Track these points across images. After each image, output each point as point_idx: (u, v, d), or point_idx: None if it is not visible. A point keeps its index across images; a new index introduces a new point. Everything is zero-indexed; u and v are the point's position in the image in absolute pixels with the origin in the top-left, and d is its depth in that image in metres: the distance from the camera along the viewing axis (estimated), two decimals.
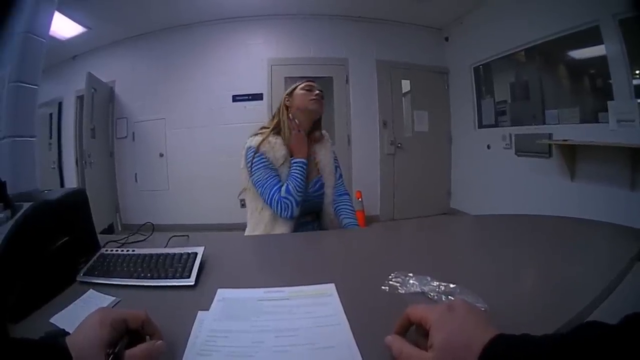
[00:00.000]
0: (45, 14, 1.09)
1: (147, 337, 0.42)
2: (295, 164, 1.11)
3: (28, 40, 1.00)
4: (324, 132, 1.30)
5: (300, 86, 1.20)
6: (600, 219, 0.95)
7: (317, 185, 1.20)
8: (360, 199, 3.80)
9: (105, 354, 0.34)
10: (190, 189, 3.91)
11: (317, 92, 1.18)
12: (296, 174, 1.09)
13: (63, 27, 3.30)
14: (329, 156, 1.26)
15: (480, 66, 3.73)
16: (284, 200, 1.06)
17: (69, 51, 3.86)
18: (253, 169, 1.10)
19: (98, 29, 3.55)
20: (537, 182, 3.03)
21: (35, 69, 1.03)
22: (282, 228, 1.09)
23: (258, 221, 1.12)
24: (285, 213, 1.06)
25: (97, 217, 0.81)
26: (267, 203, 1.09)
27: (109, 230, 3.71)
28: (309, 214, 1.20)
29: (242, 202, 1.36)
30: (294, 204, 1.06)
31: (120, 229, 3.94)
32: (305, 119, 1.19)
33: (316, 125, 1.24)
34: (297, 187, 1.07)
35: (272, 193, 1.07)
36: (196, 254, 0.68)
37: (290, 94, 1.20)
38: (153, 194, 3.97)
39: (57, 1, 1.16)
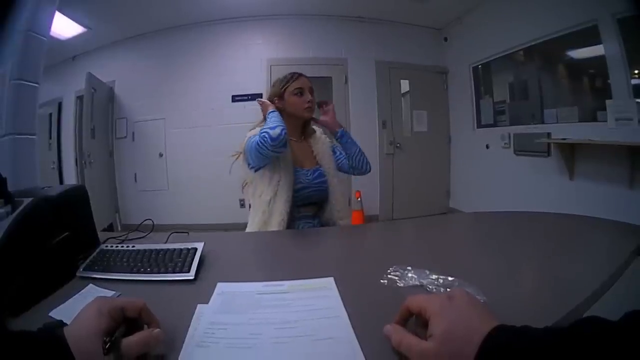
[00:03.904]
0: (46, 12, 1.09)
1: (145, 326, 0.42)
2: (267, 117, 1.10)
3: (29, 38, 1.00)
4: (316, 127, 1.32)
5: (291, 89, 1.18)
6: (599, 217, 0.96)
7: (317, 174, 1.20)
8: (359, 199, 3.80)
9: (102, 342, 0.34)
10: (189, 189, 3.91)
11: (310, 98, 1.19)
12: (269, 119, 1.07)
13: (63, 27, 3.30)
14: (326, 147, 1.27)
15: (479, 66, 3.74)
16: (262, 135, 1.02)
17: (69, 51, 3.86)
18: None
19: (98, 29, 3.55)
20: (536, 181, 3.03)
21: (36, 67, 1.04)
22: (280, 210, 1.08)
23: (258, 207, 1.13)
24: (264, 142, 1.01)
25: (97, 217, 0.81)
26: (251, 153, 1.07)
27: (109, 230, 3.71)
28: (311, 206, 1.20)
29: (242, 202, 1.37)
30: (269, 132, 1.01)
31: (120, 228, 3.93)
32: (297, 122, 1.22)
33: (307, 123, 1.27)
34: (272, 124, 1.03)
35: (253, 141, 1.05)
36: (196, 249, 0.69)
37: (281, 96, 1.19)
38: (152, 194, 3.97)
39: (58, 1, 1.16)
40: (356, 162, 1.29)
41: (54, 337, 0.34)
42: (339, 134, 1.27)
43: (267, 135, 1.00)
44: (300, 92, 1.18)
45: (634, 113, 2.19)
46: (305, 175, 1.18)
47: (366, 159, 1.31)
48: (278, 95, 1.20)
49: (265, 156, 1.05)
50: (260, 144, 1.02)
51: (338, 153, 1.32)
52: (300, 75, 1.22)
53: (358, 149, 1.30)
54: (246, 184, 1.19)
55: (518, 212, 1.09)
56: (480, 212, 1.29)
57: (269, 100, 1.19)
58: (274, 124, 1.03)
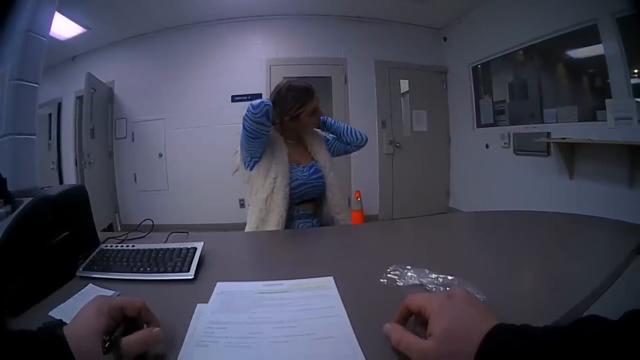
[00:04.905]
0: (46, 13, 1.09)
1: (145, 325, 0.42)
2: None
3: (29, 38, 1.00)
4: None
5: (308, 111, 1.18)
6: (599, 216, 0.96)
7: (313, 169, 1.21)
8: (359, 199, 3.80)
9: (102, 342, 0.34)
10: (189, 189, 3.91)
11: (322, 113, 1.23)
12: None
13: (63, 27, 3.31)
14: (320, 141, 1.29)
15: (479, 66, 3.74)
16: (246, 109, 1.04)
17: (69, 52, 3.86)
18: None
19: (97, 29, 3.55)
20: (535, 181, 3.03)
21: (36, 68, 1.03)
22: (278, 207, 1.09)
23: (255, 205, 1.13)
24: (246, 114, 1.03)
25: (97, 217, 0.81)
26: (241, 138, 1.10)
27: (109, 230, 3.70)
28: (309, 203, 1.21)
29: (241, 202, 1.38)
30: (251, 103, 1.03)
31: (119, 229, 3.93)
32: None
33: None
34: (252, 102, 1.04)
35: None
36: (195, 248, 0.69)
37: (297, 117, 1.17)
38: (152, 194, 3.97)
39: (58, 1, 1.16)
40: (349, 138, 1.33)
41: (53, 337, 0.34)
42: (321, 122, 1.30)
43: (249, 106, 1.02)
44: (314, 112, 1.20)
45: (634, 112, 2.19)
46: (301, 172, 1.18)
47: (358, 131, 1.34)
48: (292, 116, 1.17)
49: (250, 133, 1.05)
50: (244, 118, 1.04)
51: (331, 140, 1.35)
52: (313, 92, 1.19)
53: (345, 126, 1.33)
54: (238, 169, 1.20)
55: (518, 211, 1.09)
56: (479, 212, 1.29)
57: (279, 118, 1.16)
58: (257, 100, 1.04)
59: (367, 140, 1.37)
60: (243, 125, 1.06)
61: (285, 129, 1.20)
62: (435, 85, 4.21)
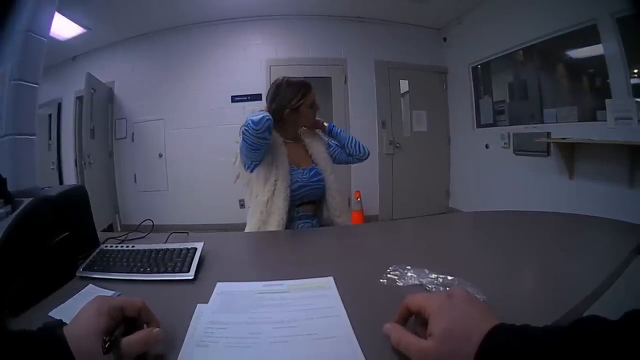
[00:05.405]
0: (46, 13, 1.09)
1: (145, 325, 0.42)
2: None
3: (29, 39, 1.00)
4: None
5: (307, 104, 1.20)
6: (599, 216, 0.96)
7: (313, 172, 1.21)
8: (359, 199, 3.80)
9: (102, 342, 0.34)
10: (189, 190, 3.91)
11: (319, 108, 1.25)
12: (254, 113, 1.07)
13: (63, 27, 3.31)
14: (321, 145, 1.30)
15: (479, 66, 3.74)
16: (245, 124, 1.04)
17: (69, 52, 3.87)
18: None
19: (97, 29, 3.55)
20: (535, 181, 3.03)
21: (35, 68, 1.03)
22: (279, 209, 1.09)
23: (255, 207, 1.13)
24: (247, 130, 1.03)
25: (97, 217, 0.81)
26: (241, 147, 1.10)
27: (109, 230, 3.70)
28: (309, 205, 1.21)
29: (241, 203, 1.38)
30: (252, 119, 1.02)
31: (119, 229, 3.93)
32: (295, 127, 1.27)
33: None
34: (255, 114, 1.03)
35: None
36: (195, 249, 0.69)
37: (296, 109, 1.19)
38: (152, 195, 3.98)
39: (57, 1, 1.16)
40: (353, 149, 1.34)
41: (53, 337, 0.34)
42: (328, 129, 1.32)
43: (250, 122, 1.02)
44: (312, 104, 1.22)
45: (634, 112, 2.19)
46: (301, 174, 1.18)
47: (362, 145, 1.36)
48: (292, 108, 1.19)
49: (251, 145, 1.05)
50: (244, 132, 1.04)
51: (333, 147, 1.36)
52: (310, 85, 1.23)
53: (350, 137, 1.35)
54: (239, 176, 1.21)
55: (517, 211, 1.09)
56: (479, 212, 1.29)
57: (279, 112, 1.17)
58: (258, 114, 1.04)
59: (369, 154, 1.38)
60: (243, 138, 1.06)
61: (284, 124, 1.21)
62: (435, 85, 4.21)
